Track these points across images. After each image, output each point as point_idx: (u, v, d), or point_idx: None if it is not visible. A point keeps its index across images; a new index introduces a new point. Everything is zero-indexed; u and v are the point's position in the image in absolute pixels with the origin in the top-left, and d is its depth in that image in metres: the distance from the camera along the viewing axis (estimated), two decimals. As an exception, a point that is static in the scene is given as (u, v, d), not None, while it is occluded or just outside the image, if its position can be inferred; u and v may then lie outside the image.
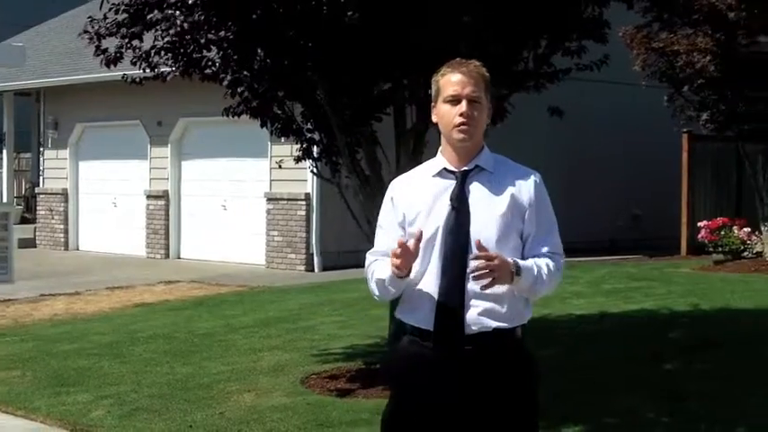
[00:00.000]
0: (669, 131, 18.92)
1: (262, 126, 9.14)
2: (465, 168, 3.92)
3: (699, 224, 17.80)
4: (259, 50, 8.36)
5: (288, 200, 17.92)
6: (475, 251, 3.76)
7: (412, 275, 3.83)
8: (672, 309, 11.94)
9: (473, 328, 3.80)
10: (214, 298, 14.44)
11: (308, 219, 17.66)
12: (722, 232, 17.12)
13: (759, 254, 16.23)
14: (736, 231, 17.03)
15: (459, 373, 3.81)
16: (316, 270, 17.53)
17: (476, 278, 3.72)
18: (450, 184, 3.91)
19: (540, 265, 3.85)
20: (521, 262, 3.81)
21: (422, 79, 8.46)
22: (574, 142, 19.70)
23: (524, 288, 3.83)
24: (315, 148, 9.21)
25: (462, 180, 3.90)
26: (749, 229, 17.12)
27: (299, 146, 9.21)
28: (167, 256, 20.18)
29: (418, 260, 3.82)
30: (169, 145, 20.22)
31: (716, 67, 16.56)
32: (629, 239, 20.66)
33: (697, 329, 10.65)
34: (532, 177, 3.97)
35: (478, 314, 3.80)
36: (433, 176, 3.96)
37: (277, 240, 18.15)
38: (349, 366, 9.11)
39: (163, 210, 20.29)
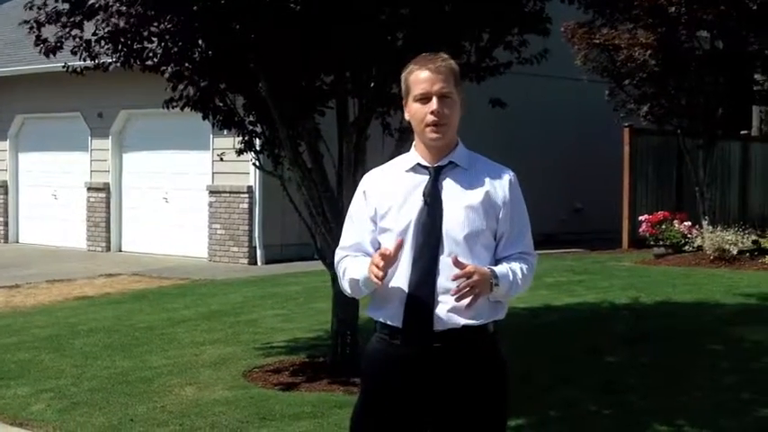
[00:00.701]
0: (611, 126, 19.10)
1: (203, 118, 9.08)
2: (439, 164, 3.85)
3: (640, 218, 17.99)
4: (200, 42, 8.30)
5: (230, 193, 17.82)
6: (446, 258, 3.71)
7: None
8: (613, 302, 12.05)
9: (442, 324, 3.73)
10: (156, 291, 14.32)
11: (250, 212, 17.58)
12: (663, 226, 17.30)
13: (699, 248, 16.42)
14: (676, 225, 17.22)
15: (428, 370, 3.75)
16: (258, 263, 17.46)
17: (458, 299, 3.65)
18: (423, 179, 3.85)
19: (515, 269, 3.81)
20: (498, 270, 3.75)
21: (364, 73, 8.51)
22: (516, 136, 19.81)
23: (500, 295, 3.79)
24: (257, 141, 9.18)
25: (435, 176, 3.84)
26: (690, 223, 17.32)
27: (240, 138, 9.17)
28: (108, 248, 19.99)
29: None
30: (110, 137, 20.01)
31: (656, 62, 16.74)
32: (572, 233, 20.82)
33: (638, 322, 10.76)
34: (507, 176, 3.91)
35: (448, 311, 3.72)
36: (407, 171, 3.89)
37: (219, 233, 18.05)
38: (292, 360, 9.09)
39: (104, 202, 20.10)
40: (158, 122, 18.11)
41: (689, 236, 16.91)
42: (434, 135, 3.80)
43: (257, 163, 9.47)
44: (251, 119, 8.99)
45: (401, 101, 9.35)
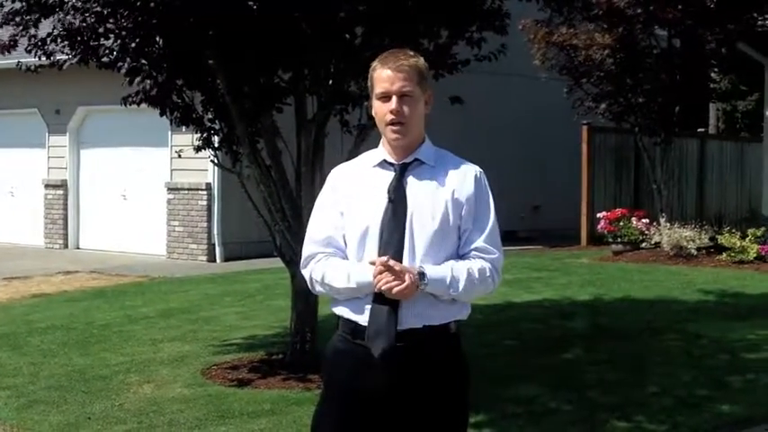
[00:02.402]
0: (569, 123, 19.18)
1: (161, 115, 9.02)
2: (404, 161, 3.83)
3: (598, 215, 18.07)
4: (157, 38, 8.25)
5: (189, 190, 17.74)
6: (407, 255, 3.71)
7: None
8: (572, 299, 12.11)
9: (405, 324, 3.70)
10: (114, 289, 14.23)
11: (209, 209, 17.51)
12: (621, 223, 17.40)
13: (657, 244, 16.53)
14: (634, 222, 17.33)
15: (391, 370, 3.72)
16: (217, 260, 17.40)
17: (379, 286, 3.64)
18: (389, 176, 3.83)
19: (460, 269, 3.74)
20: (429, 270, 3.69)
21: (322, 70, 8.49)
22: (475, 134, 19.83)
23: (438, 294, 3.72)
24: (215, 138, 9.12)
25: (401, 173, 3.82)
26: (647, 220, 17.43)
27: (199, 135, 9.11)
28: (66, 246, 19.84)
29: (353, 253, 3.79)
30: (68, 134, 19.86)
31: (614, 61, 16.85)
32: (531, 230, 20.90)
33: (596, 319, 10.82)
34: (473, 172, 3.87)
35: (410, 311, 3.70)
36: (373, 167, 3.88)
37: (178, 231, 17.96)
38: (250, 357, 9.06)
39: (61, 199, 19.94)
40: (116, 119, 17.96)
41: (647, 233, 17.02)
42: (394, 135, 3.79)
43: (215, 160, 9.43)
44: (209, 115, 8.94)
45: (359, 98, 9.40)
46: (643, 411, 7.24)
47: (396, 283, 3.61)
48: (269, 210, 8.61)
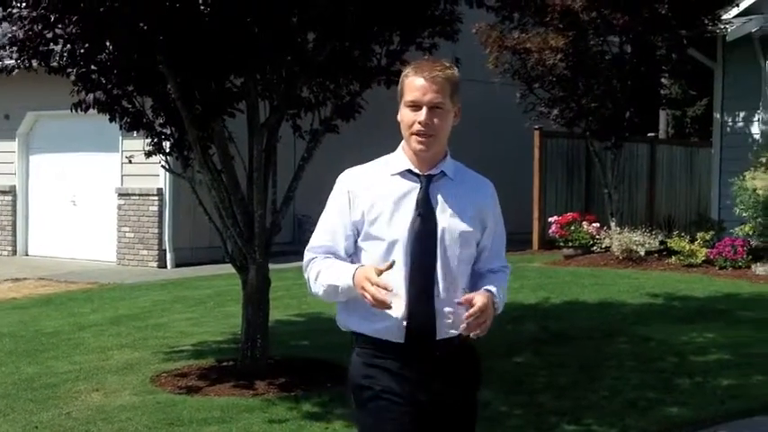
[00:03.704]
0: (522, 128, 19.26)
1: (111, 121, 8.95)
2: (430, 173, 3.76)
3: (550, 219, 18.17)
4: (107, 44, 8.18)
5: (140, 195, 17.61)
6: (439, 270, 3.68)
7: None
8: (523, 302, 12.15)
9: (442, 335, 3.70)
10: (62, 296, 14.08)
11: (160, 214, 17.38)
12: (572, 227, 17.50)
13: (607, 248, 16.64)
14: (585, 226, 17.43)
15: (426, 379, 3.71)
16: (168, 266, 17.27)
17: (475, 334, 3.67)
18: (414, 187, 3.74)
19: (502, 285, 3.84)
20: (494, 290, 3.73)
21: (274, 75, 8.47)
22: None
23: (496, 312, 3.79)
24: (166, 143, 9.06)
25: (427, 185, 3.74)
26: (598, 225, 17.55)
27: (149, 140, 9.05)
28: (14, 252, 19.62)
29: (376, 264, 3.63)
30: (17, 139, 19.64)
31: (566, 66, 16.93)
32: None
33: (548, 323, 10.87)
34: (490, 187, 3.91)
35: (447, 322, 3.69)
36: (393, 175, 3.77)
37: (129, 237, 17.82)
38: (200, 364, 9.00)
39: (10, 205, 19.72)
40: (66, 124, 17.77)
41: (597, 237, 17.13)
42: (420, 146, 3.71)
43: (166, 165, 9.37)
44: (160, 121, 8.88)
45: (311, 103, 9.38)
46: (593, 414, 7.28)
47: (485, 325, 3.66)
48: (220, 215, 8.57)
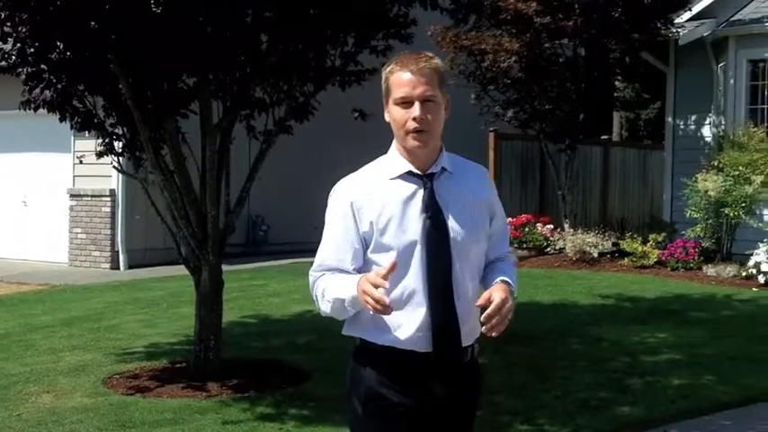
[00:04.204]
0: (477, 130, 19.31)
1: (61, 120, 8.86)
2: (430, 171, 3.56)
3: (504, 221, 18.22)
4: (58, 43, 8.11)
5: (92, 196, 17.46)
6: (457, 273, 3.50)
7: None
8: (477, 304, 12.16)
9: (466, 341, 3.55)
10: (13, 297, 13.95)
11: (112, 215, 17.23)
12: (526, 229, 17.59)
13: (561, 250, 16.73)
14: (539, 228, 17.53)
15: (446, 388, 3.54)
16: (121, 268, 17.12)
17: (498, 333, 3.43)
18: (417, 188, 3.53)
19: (513, 271, 3.67)
20: (509, 279, 3.57)
21: (227, 75, 8.43)
22: (382, 142, 19.85)
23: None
24: (117, 143, 8.99)
25: (432, 185, 3.54)
26: (552, 226, 17.66)
27: (101, 141, 8.97)
28: (-35, 254, 19.39)
29: (393, 277, 3.38)
30: (-34, 139, 19.42)
31: (521, 68, 17.01)
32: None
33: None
34: (486, 173, 3.75)
35: (469, 329, 3.53)
36: (393, 179, 3.56)
37: (81, 238, 17.66)
38: (153, 365, 8.95)
39: (-40, 206, 19.49)
40: (16, 124, 17.58)
41: (551, 238, 17.23)
42: (416, 143, 3.51)
43: (117, 166, 9.30)
44: (111, 120, 8.81)
45: (265, 104, 9.34)
46: (546, 414, 7.31)
47: (507, 309, 3.43)
48: (173, 216, 8.51)
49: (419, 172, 3.55)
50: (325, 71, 8.73)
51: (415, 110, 3.47)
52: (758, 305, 12.42)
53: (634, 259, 15.62)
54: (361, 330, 3.58)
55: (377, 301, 3.28)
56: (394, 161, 3.60)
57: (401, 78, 3.50)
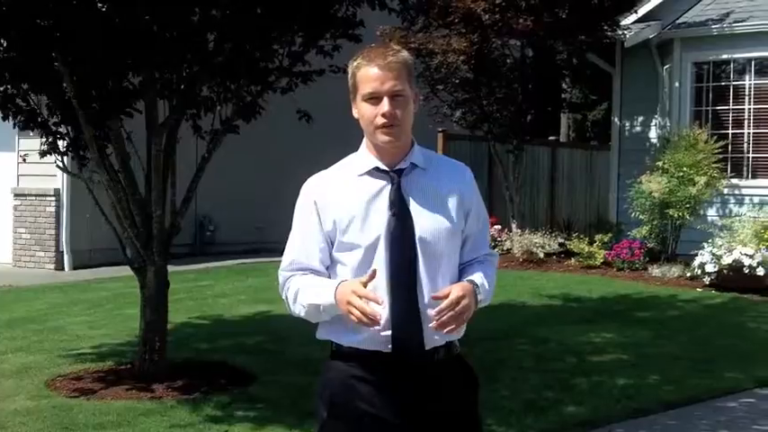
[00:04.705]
0: (426, 130, 19.33)
1: (3, 119, 8.75)
2: (399, 167, 3.47)
3: (451, 222, 18.26)
4: (1, 41, 8.00)
5: (36, 196, 17.25)
6: (423, 273, 3.38)
7: None
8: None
9: (431, 343, 3.41)
10: (-44, 298, 13.74)
11: (57, 215, 17.04)
12: (474, 229, 17.62)
13: (509, 250, 16.80)
14: (487, 228, 17.57)
15: (414, 391, 3.41)
16: (66, 269, 16.93)
17: (449, 331, 3.32)
18: (383, 185, 3.44)
19: (489, 274, 3.53)
20: (478, 281, 3.44)
21: (173, 74, 8.37)
22: (328, 143, 19.77)
23: (481, 306, 3.49)
24: (62, 142, 8.89)
25: (398, 181, 3.45)
26: (500, 227, 17.73)
27: (44, 140, 8.86)
28: None
29: (354, 275, 3.38)
30: None
31: (469, 68, 17.06)
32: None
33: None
34: (467, 173, 3.60)
35: (433, 329, 3.35)
36: (360, 176, 3.47)
37: (25, 238, 17.44)
38: (98, 367, 8.85)
39: None
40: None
41: (499, 239, 17.30)
42: (388, 138, 3.41)
43: (61, 165, 9.19)
44: (55, 119, 8.71)
45: (211, 103, 9.26)
46: (493, 415, 7.32)
47: (461, 306, 3.31)
48: (118, 216, 8.43)
49: (387, 168, 3.47)
50: (273, 71, 8.69)
51: (384, 105, 3.39)
52: (702, 305, 12.56)
53: (581, 260, 15.73)
54: (330, 332, 3.51)
55: (368, 316, 3.23)
56: (363, 158, 3.52)
57: (368, 73, 3.42)
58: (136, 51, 7.84)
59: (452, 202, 3.49)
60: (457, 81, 17.57)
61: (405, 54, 3.48)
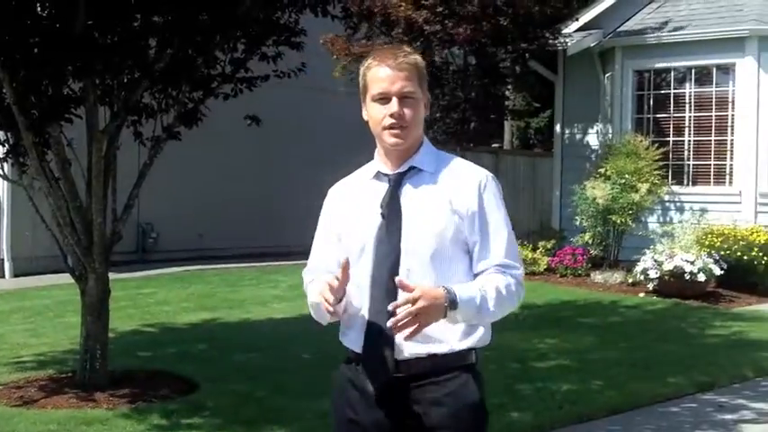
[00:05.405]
0: (368, 136, 19.30)
1: (-60, 125, 8.61)
2: (399, 171, 3.41)
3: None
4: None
5: (-24, 203, 17.02)
6: (402, 273, 3.25)
7: (344, 297, 3.31)
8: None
9: (405, 353, 3.27)
10: None
11: (-3, 223, 16.83)
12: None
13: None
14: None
15: (391, 402, 3.30)
16: (6, 276, 16.70)
17: (397, 329, 3.11)
18: (385, 188, 3.40)
19: (488, 288, 3.26)
20: (459, 292, 3.17)
21: (114, 80, 8.30)
22: (275, 150, 19.79)
23: (465, 320, 3.26)
24: (0, 149, 8.78)
25: (395, 185, 3.39)
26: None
27: (-18, 146, 8.75)
28: None
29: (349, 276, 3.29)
30: None
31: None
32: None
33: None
34: (477, 179, 3.40)
35: (425, 336, 3.20)
36: (370, 180, 3.47)
37: (-35, 246, 17.19)
38: (38, 376, 8.74)
39: None
40: None
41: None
42: (394, 140, 3.36)
43: (1, 172, 9.07)
44: (-7, 125, 8.59)
45: (153, 110, 9.19)
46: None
47: (415, 308, 3.09)
48: (58, 224, 8.33)
49: (388, 171, 3.43)
50: (215, 77, 8.66)
51: (393, 105, 3.34)
52: (644, 311, 12.70)
53: (524, 266, 15.78)
54: (340, 333, 3.50)
55: (326, 300, 3.23)
56: (373, 162, 3.51)
57: (378, 74, 3.37)
58: (76, 57, 7.76)
59: (447, 211, 3.34)
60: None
61: (416, 56, 3.42)
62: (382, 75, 3.35)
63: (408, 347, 3.26)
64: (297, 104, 20.10)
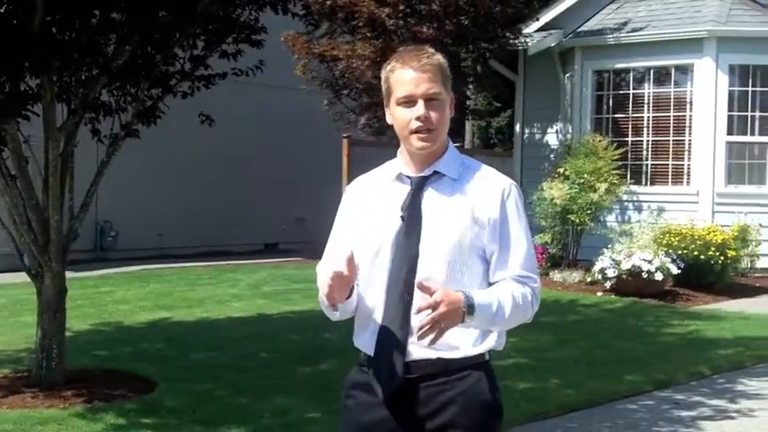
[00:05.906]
0: (330, 135, 19.33)
1: None
2: (422, 174, 3.36)
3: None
4: None
5: (-68, 200, 16.81)
6: (417, 292, 3.17)
7: (354, 295, 3.32)
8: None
9: (417, 356, 3.25)
10: None
11: (-46, 221, 16.62)
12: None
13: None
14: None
15: (403, 404, 3.28)
16: (-38, 275, 16.55)
17: (420, 337, 3.11)
18: (406, 191, 3.35)
19: (504, 296, 3.24)
20: (477, 298, 3.16)
21: (72, 77, 8.24)
22: (234, 146, 19.72)
23: (479, 327, 3.25)
24: (-44, 146, 8.68)
25: (417, 188, 3.34)
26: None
27: (-63, 143, 8.64)
28: None
29: (364, 277, 3.34)
30: None
31: (374, 74, 17.08)
32: (293, 242, 20.93)
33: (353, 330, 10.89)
34: (500, 187, 3.35)
35: (422, 342, 3.18)
36: (392, 181, 3.41)
37: None
38: (-7, 375, 8.67)
39: None
40: None
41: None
42: (422, 143, 3.30)
43: (-45, 169, 8.97)
44: (-52, 122, 8.49)
45: (111, 107, 9.13)
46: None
47: (437, 313, 3.06)
48: (14, 222, 8.25)
49: (412, 174, 3.38)
50: (174, 74, 8.62)
51: (419, 108, 3.28)
52: (602, 310, 12.78)
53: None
54: (354, 335, 3.48)
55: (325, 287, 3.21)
56: (395, 163, 3.45)
57: (403, 76, 3.31)
58: (33, 53, 7.69)
59: (467, 218, 3.30)
60: (361, 86, 17.57)
61: (440, 57, 3.37)
62: (406, 77, 3.30)
63: (420, 352, 3.25)
64: (257, 102, 20.07)
